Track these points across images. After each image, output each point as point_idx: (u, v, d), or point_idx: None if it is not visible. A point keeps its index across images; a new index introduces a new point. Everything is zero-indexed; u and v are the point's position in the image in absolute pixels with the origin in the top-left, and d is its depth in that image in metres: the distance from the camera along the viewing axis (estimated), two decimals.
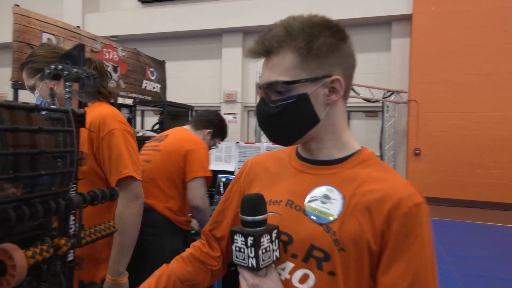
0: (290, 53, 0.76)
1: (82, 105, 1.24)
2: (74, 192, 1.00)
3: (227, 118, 6.38)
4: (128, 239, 1.39)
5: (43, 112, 0.94)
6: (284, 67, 0.76)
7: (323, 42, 0.75)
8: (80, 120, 1.12)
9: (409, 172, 7.24)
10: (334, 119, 0.81)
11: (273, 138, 0.83)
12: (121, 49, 4.73)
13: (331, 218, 0.74)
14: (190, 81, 7.28)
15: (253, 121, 6.15)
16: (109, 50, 4.51)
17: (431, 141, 7.24)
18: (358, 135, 7.26)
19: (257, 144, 3.46)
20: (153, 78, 5.45)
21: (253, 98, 6.39)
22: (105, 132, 1.37)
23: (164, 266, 0.94)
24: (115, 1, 7.18)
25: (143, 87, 5.18)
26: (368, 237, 0.71)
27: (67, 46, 3.80)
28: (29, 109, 0.88)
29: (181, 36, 7.15)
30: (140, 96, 5.10)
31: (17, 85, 3.33)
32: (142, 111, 6.74)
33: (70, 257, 0.90)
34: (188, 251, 0.98)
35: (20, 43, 3.36)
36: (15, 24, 3.33)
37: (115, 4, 7.15)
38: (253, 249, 0.68)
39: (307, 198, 0.78)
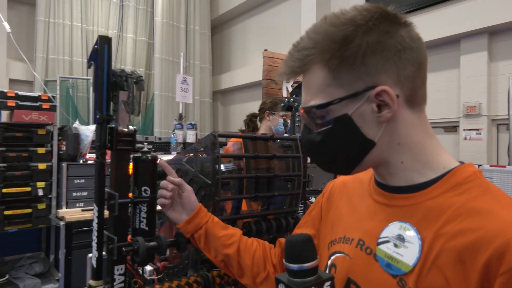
0: (319, 69, 0.62)
1: None
2: (302, 212, 1.13)
3: (468, 135, 5.47)
4: None
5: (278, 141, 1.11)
6: (315, 88, 0.63)
7: (356, 45, 0.59)
8: None
9: None
10: (399, 137, 0.63)
11: (325, 168, 0.71)
12: None
13: (404, 269, 0.58)
14: None
15: (505, 137, 5.05)
16: None
17: None
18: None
19: (509, 168, 2.75)
20: None
21: (504, 110, 5.25)
22: None
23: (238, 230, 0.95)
24: None
25: None
26: None
27: None
28: (266, 139, 1.06)
29: None
30: None
31: None
32: None
33: None
34: (261, 241, 0.95)
35: (267, 80, 4.08)
36: (264, 65, 4.07)
37: None
38: None
39: (379, 239, 0.64)
